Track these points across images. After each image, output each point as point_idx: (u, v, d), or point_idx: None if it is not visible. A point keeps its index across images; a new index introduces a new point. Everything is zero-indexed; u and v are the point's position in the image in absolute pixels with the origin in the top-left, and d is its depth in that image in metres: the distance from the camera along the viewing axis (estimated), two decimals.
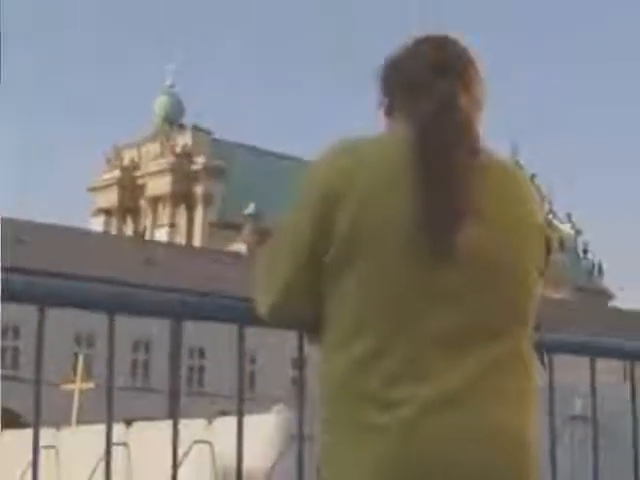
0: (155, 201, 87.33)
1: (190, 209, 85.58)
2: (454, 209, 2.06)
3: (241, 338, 2.64)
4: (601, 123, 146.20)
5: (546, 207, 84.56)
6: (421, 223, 2.04)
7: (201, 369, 48.18)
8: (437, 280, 2.05)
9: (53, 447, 15.58)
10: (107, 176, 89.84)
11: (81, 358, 26.74)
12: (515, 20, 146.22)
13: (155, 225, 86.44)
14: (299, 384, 2.79)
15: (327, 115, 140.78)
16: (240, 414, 2.64)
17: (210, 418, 15.11)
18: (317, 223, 2.09)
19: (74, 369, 27.34)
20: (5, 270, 2.32)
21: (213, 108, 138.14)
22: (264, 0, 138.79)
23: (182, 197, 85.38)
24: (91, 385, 24.25)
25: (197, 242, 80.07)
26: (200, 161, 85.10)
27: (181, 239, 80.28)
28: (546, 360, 2.95)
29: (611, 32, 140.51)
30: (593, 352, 3.13)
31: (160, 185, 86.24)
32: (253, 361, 45.07)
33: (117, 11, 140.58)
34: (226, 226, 79.73)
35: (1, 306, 2.20)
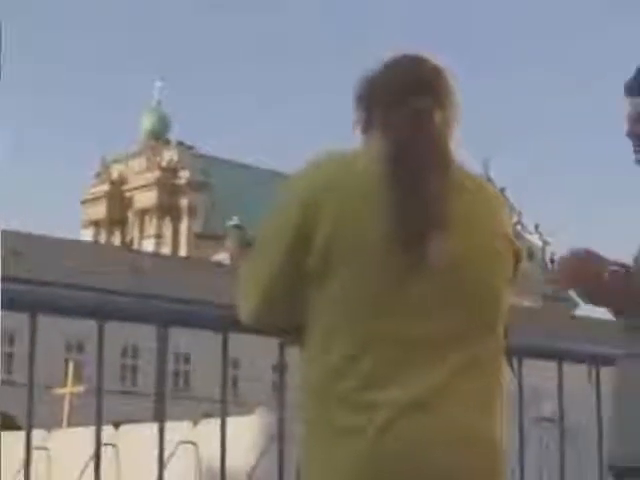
0: (142, 213, 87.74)
1: (175, 221, 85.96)
2: (425, 223, 2.13)
3: (225, 344, 2.72)
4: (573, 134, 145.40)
5: (515, 219, 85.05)
6: (394, 236, 2.12)
7: (186, 374, 48.21)
8: (410, 290, 2.13)
9: (45, 449, 15.58)
10: (96, 189, 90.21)
11: (71, 365, 26.69)
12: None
13: (142, 236, 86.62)
14: (280, 388, 2.88)
15: (309, 131, 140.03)
16: (224, 416, 2.73)
17: (195, 420, 15.15)
18: (296, 232, 2.16)
19: (65, 374, 27.28)
20: (2, 280, 2.38)
21: (198, 123, 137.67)
22: (251, 18, 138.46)
23: (168, 209, 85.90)
24: (81, 389, 24.21)
25: (182, 252, 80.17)
26: (185, 175, 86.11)
27: (167, 249, 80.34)
28: (515, 365, 3.00)
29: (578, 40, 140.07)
30: (560, 356, 3.22)
31: (147, 198, 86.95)
32: (236, 366, 44.99)
33: (107, 26, 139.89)
34: (210, 237, 79.72)
35: (1, 313, 2.25)
